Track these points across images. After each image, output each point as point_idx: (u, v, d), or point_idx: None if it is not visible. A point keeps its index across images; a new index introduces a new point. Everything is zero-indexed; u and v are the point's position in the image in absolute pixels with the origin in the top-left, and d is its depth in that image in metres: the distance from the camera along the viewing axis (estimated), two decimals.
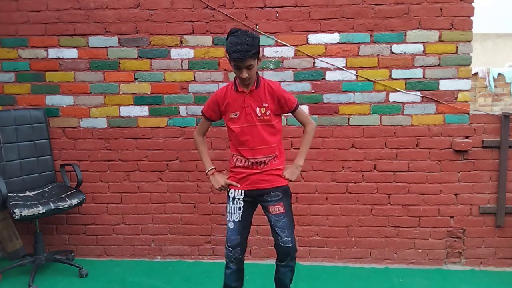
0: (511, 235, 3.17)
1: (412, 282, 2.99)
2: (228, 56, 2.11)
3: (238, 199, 2.28)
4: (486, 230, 3.18)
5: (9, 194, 2.85)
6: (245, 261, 3.30)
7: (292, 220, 2.32)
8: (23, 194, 3.03)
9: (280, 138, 2.32)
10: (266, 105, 2.20)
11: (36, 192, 3.10)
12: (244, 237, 2.32)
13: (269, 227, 2.34)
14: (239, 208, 2.28)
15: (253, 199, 2.31)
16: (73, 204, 2.95)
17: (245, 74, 2.10)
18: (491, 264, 3.20)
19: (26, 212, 2.76)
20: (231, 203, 2.31)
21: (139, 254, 3.37)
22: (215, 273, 3.10)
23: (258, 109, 2.20)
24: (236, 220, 2.29)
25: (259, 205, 2.37)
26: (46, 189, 3.15)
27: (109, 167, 3.30)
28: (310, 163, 3.19)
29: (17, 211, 2.73)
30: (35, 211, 2.78)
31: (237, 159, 2.28)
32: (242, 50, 2.01)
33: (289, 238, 2.24)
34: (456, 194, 3.16)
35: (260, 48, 2.19)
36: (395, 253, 3.25)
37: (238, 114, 2.22)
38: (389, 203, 3.20)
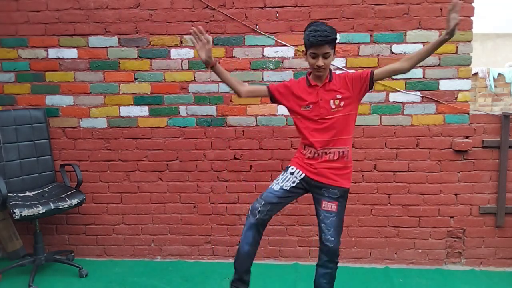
0: (511, 235, 3.18)
1: (412, 282, 2.99)
2: (305, 47, 2.15)
3: (296, 177, 2.26)
4: (486, 230, 3.18)
5: (9, 194, 2.85)
6: None
7: (342, 223, 2.28)
8: (23, 194, 3.03)
9: (352, 131, 2.28)
10: (339, 96, 2.20)
11: (36, 192, 3.10)
12: (277, 203, 2.25)
13: (317, 222, 2.29)
14: (293, 182, 2.25)
15: (307, 187, 2.29)
16: (73, 204, 2.94)
17: (321, 62, 2.12)
18: (491, 264, 3.20)
19: (26, 212, 2.75)
20: (288, 173, 2.28)
21: (139, 254, 3.37)
22: (215, 273, 3.10)
23: (331, 101, 2.20)
24: (285, 188, 2.24)
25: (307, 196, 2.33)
26: (46, 189, 3.15)
27: (109, 167, 3.30)
28: None
29: (17, 211, 2.73)
30: (35, 211, 2.78)
31: (307, 150, 2.26)
32: (322, 35, 2.07)
33: (333, 238, 2.22)
34: (456, 194, 3.16)
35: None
36: (395, 253, 3.25)
37: (311, 107, 2.22)
38: (389, 203, 3.20)
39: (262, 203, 2.21)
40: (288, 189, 2.25)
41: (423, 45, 3.04)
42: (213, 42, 3.14)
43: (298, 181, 2.26)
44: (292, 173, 2.28)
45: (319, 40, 2.07)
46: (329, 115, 2.20)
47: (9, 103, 3.26)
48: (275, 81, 3.03)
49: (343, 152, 2.23)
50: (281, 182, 2.26)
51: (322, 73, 2.18)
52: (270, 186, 2.28)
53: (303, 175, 2.26)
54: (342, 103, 2.20)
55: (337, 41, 2.20)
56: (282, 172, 2.32)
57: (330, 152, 2.22)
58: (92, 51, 3.21)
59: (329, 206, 2.23)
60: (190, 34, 2.21)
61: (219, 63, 2.31)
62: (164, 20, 3.14)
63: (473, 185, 3.15)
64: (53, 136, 3.28)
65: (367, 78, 2.21)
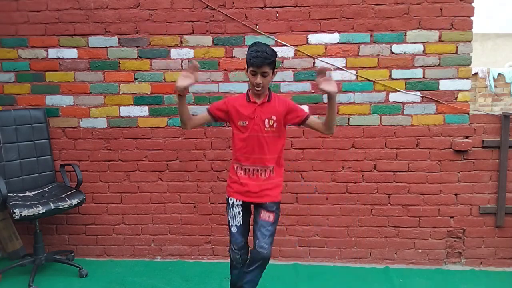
0: (511, 235, 3.18)
1: (412, 282, 2.99)
2: (247, 64, 2.25)
3: (237, 205, 2.39)
4: (486, 230, 3.18)
5: (9, 194, 2.85)
6: None
7: (274, 232, 2.39)
8: (23, 194, 3.03)
9: (282, 151, 2.40)
10: (274, 117, 2.30)
11: (36, 192, 3.10)
12: (246, 238, 2.45)
13: (252, 229, 2.40)
14: (239, 213, 2.40)
15: (249, 206, 2.43)
16: (73, 204, 2.94)
17: (259, 80, 2.22)
18: (491, 264, 3.21)
19: (26, 212, 2.75)
20: (230, 209, 2.42)
21: (139, 254, 3.37)
22: (215, 273, 3.10)
23: (266, 120, 2.30)
24: (238, 224, 2.40)
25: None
26: (46, 189, 3.15)
27: (109, 167, 3.30)
28: (310, 163, 3.19)
29: (17, 211, 2.73)
30: (35, 211, 2.78)
31: (237, 167, 2.37)
32: (261, 56, 2.18)
33: (267, 245, 2.31)
34: (456, 194, 3.16)
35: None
36: (395, 253, 3.25)
37: (246, 123, 2.31)
38: (389, 203, 3.20)
39: (239, 252, 2.40)
40: (241, 222, 2.40)
41: (423, 45, 3.06)
42: (213, 42, 3.15)
43: (241, 208, 2.39)
44: (233, 205, 2.40)
45: (258, 63, 2.18)
46: (261, 133, 2.30)
47: (9, 103, 3.26)
48: (275, 81, 3.04)
49: (271, 170, 2.35)
50: (234, 222, 2.40)
51: (260, 91, 2.27)
52: (231, 231, 2.42)
53: (241, 201, 2.39)
54: (275, 125, 2.31)
55: (276, 64, 2.28)
56: (227, 210, 2.44)
57: (260, 170, 2.34)
58: (92, 51, 3.21)
59: (267, 216, 2.35)
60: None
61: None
62: (164, 20, 3.14)
63: (473, 185, 3.15)
64: (53, 136, 3.28)
65: (302, 118, 2.33)
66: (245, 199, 2.37)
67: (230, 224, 2.42)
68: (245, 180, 2.35)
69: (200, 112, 3.18)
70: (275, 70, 2.31)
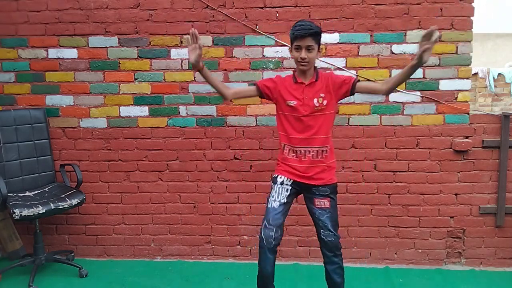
0: (511, 235, 3.18)
1: (412, 282, 2.99)
2: (291, 41, 2.22)
3: (287, 184, 2.30)
4: (486, 230, 3.18)
5: (9, 194, 2.85)
6: (246, 261, 3.33)
7: (337, 217, 2.32)
8: (23, 194, 3.03)
9: (331, 130, 2.33)
10: (323, 95, 2.25)
11: (36, 192, 3.10)
12: (283, 220, 2.28)
13: (312, 220, 2.33)
14: (287, 190, 2.30)
15: (299, 188, 2.34)
16: (73, 204, 2.95)
17: (304, 55, 2.18)
18: (491, 264, 3.21)
19: (26, 212, 2.75)
20: (279, 185, 2.31)
21: (139, 254, 3.37)
22: (215, 273, 3.10)
23: (315, 100, 2.25)
24: (283, 201, 2.28)
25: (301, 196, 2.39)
26: (46, 189, 3.15)
27: (109, 167, 3.30)
28: None
29: (17, 211, 2.73)
30: (35, 211, 2.78)
31: (289, 150, 2.31)
32: (305, 28, 2.16)
33: (332, 233, 2.25)
34: (456, 194, 3.16)
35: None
36: (395, 253, 3.25)
37: (295, 103, 2.26)
38: (389, 203, 3.20)
39: (274, 230, 2.22)
40: (285, 200, 2.29)
41: None
42: (213, 42, 3.15)
43: (290, 188, 2.31)
44: (282, 183, 2.31)
45: (302, 33, 2.15)
46: (312, 113, 2.25)
47: (9, 103, 3.26)
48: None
49: (324, 150, 2.28)
50: (278, 197, 2.29)
51: (306, 67, 2.23)
52: (269, 206, 2.29)
53: (292, 180, 2.31)
54: (325, 102, 2.26)
55: (321, 39, 2.25)
56: (272, 185, 2.35)
57: (312, 151, 2.27)
58: (92, 51, 3.21)
59: (322, 203, 2.28)
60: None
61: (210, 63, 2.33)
62: (164, 20, 3.14)
63: (473, 185, 3.15)
64: (53, 136, 3.28)
65: (350, 84, 2.27)
66: (296, 180, 2.29)
67: (270, 199, 2.28)
68: (295, 163, 2.28)
69: (200, 112, 3.21)
70: (320, 48, 2.27)
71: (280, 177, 2.33)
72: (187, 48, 2.23)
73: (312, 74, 2.28)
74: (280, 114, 2.33)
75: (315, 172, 2.28)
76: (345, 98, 3.11)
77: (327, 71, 2.36)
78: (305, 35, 2.15)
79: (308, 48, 2.19)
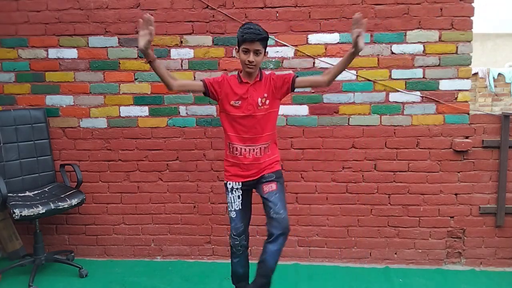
0: (511, 235, 3.18)
1: (412, 282, 2.99)
2: (238, 43, 2.27)
3: (236, 189, 2.39)
4: (486, 230, 3.18)
5: (9, 194, 2.85)
6: None
7: (284, 199, 2.38)
8: (23, 194, 3.03)
9: (275, 127, 2.42)
10: (266, 95, 2.33)
11: (36, 192, 3.10)
12: (246, 224, 2.44)
13: (263, 207, 2.37)
14: (238, 197, 2.39)
15: (249, 187, 2.42)
16: (73, 204, 2.95)
17: (252, 58, 2.23)
18: (491, 264, 3.21)
19: (26, 212, 2.75)
20: (229, 193, 2.41)
21: (139, 254, 3.37)
22: (215, 273, 3.10)
23: (259, 99, 2.32)
24: (237, 208, 2.39)
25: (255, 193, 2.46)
26: (46, 189, 3.15)
27: (109, 167, 3.30)
28: (310, 163, 3.19)
29: (17, 211, 2.73)
30: (35, 211, 2.78)
31: (232, 148, 2.37)
32: (255, 33, 2.21)
33: (282, 210, 2.29)
34: (456, 194, 3.16)
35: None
36: (395, 253, 3.25)
37: (239, 103, 2.32)
38: (389, 203, 3.20)
39: (238, 238, 2.39)
40: (240, 207, 2.39)
41: (423, 45, 3.06)
42: (213, 42, 3.15)
43: (241, 192, 2.39)
44: (232, 190, 2.40)
45: (251, 38, 2.20)
46: (255, 112, 2.31)
47: (9, 103, 3.26)
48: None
49: (265, 147, 2.36)
50: (232, 206, 2.40)
51: (252, 70, 2.28)
52: (230, 216, 2.41)
53: (240, 183, 2.39)
54: (267, 102, 2.33)
55: (268, 43, 2.30)
56: (226, 194, 2.43)
57: (255, 149, 2.34)
58: (92, 51, 3.21)
59: (270, 187, 2.35)
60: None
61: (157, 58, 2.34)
62: (164, 20, 3.14)
63: (473, 185, 3.15)
64: (53, 136, 3.28)
65: (290, 82, 2.34)
66: (244, 180, 2.37)
67: (229, 209, 2.41)
68: (240, 161, 2.35)
69: (200, 112, 3.21)
70: (266, 51, 2.33)
71: (229, 184, 2.40)
72: (140, 33, 2.12)
73: (256, 74, 2.34)
74: (224, 114, 2.37)
75: (259, 168, 2.36)
76: (346, 98, 3.16)
77: (267, 72, 2.39)
78: (254, 39, 2.20)
79: (256, 52, 2.24)
